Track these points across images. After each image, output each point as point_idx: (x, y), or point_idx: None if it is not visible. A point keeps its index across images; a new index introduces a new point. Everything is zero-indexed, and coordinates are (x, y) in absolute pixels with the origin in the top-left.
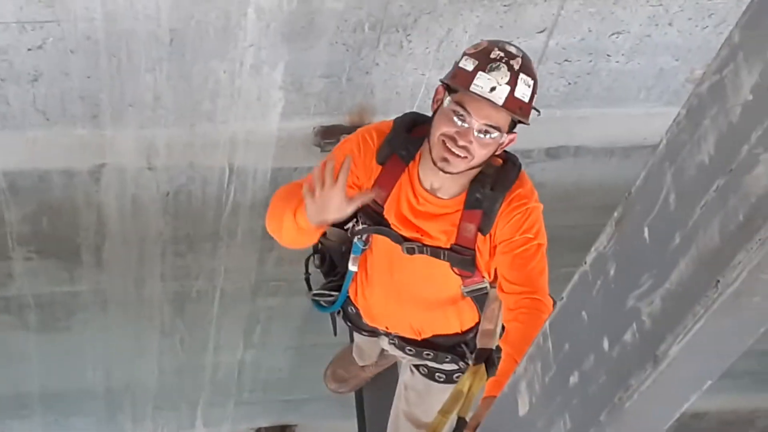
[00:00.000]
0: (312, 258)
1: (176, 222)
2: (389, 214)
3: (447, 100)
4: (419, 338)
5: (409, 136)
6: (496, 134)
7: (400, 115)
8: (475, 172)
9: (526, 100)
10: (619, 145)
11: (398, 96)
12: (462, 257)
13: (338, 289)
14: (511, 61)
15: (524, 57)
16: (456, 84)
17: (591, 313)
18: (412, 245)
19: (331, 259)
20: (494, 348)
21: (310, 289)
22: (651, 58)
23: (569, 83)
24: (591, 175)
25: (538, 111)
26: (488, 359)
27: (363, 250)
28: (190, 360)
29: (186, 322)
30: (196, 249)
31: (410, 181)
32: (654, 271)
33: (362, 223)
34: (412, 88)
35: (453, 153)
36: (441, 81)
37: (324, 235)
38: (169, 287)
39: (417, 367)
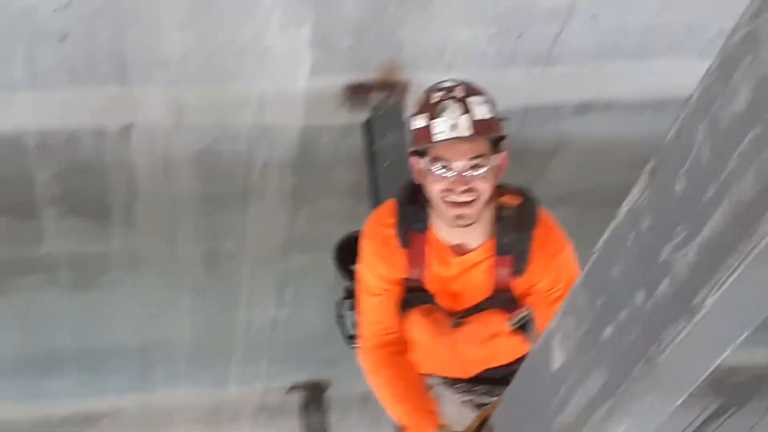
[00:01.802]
0: (344, 302)
1: (206, 181)
2: (431, 285)
3: (424, 162)
4: (468, 377)
5: (414, 208)
6: (485, 162)
7: (396, 192)
8: (493, 212)
9: (489, 116)
10: (650, 99)
11: (426, 52)
12: (503, 299)
13: None
14: (453, 93)
15: (462, 82)
16: (421, 145)
17: (624, 266)
18: (458, 321)
19: None
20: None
21: (344, 331)
22: (682, 12)
23: (599, 38)
24: (622, 131)
25: (506, 118)
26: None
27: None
28: (222, 318)
29: (217, 280)
30: (227, 208)
31: (434, 247)
32: (688, 223)
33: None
34: (440, 44)
35: (460, 204)
36: (408, 153)
37: (350, 278)
38: (200, 246)
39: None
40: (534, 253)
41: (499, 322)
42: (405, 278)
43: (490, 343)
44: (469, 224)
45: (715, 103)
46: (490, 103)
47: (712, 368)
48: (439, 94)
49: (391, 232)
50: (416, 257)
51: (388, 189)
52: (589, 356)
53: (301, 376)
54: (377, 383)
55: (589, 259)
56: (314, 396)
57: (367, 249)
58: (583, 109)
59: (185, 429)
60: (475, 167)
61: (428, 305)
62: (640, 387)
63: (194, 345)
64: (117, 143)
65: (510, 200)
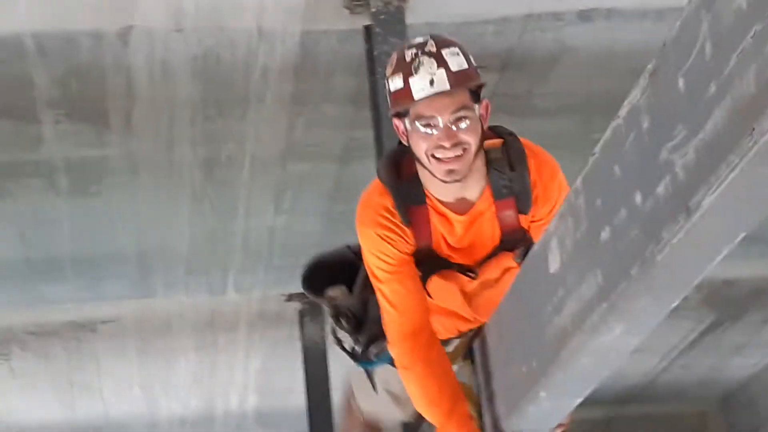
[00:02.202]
0: (336, 325)
1: (205, 86)
2: (442, 251)
3: (406, 123)
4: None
5: (405, 183)
6: (468, 113)
7: (378, 173)
8: (483, 160)
9: (466, 66)
10: (652, 7)
11: None
12: (515, 240)
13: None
14: (426, 48)
15: (432, 36)
16: (401, 106)
17: (624, 167)
18: (473, 272)
19: (357, 314)
20: None
21: (353, 355)
22: None
23: None
24: (624, 39)
25: (483, 66)
26: None
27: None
28: (221, 225)
29: (216, 187)
30: (226, 114)
31: (437, 213)
32: (688, 122)
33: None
34: None
35: (450, 159)
36: (391, 115)
37: (334, 301)
38: (199, 152)
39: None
40: (535, 184)
41: (508, 260)
42: (414, 253)
43: (501, 281)
44: (461, 178)
45: (717, 0)
46: (464, 52)
47: (708, 269)
48: (412, 51)
49: (391, 214)
50: (421, 230)
51: None
52: (586, 257)
53: (298, 286)
54: (409, 380)
55: (588, 161)
56: (312, 305)
57: (368, 238)
58: (585, 16)
59: (183, 336)
60: (459, 120)
61: (444, 270)
62: (636, 288)
63: (193, 252)
64: (116, 46)
65: (492, 143)
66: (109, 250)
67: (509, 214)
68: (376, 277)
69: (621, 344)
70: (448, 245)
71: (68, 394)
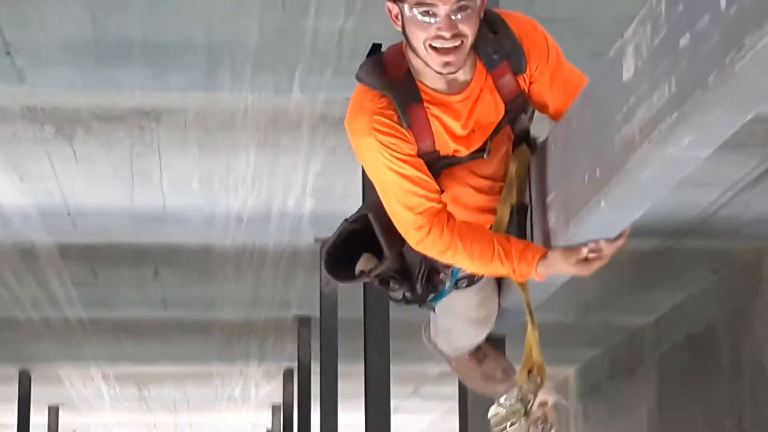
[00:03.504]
0: (387, 290)
1: None
2: (447, 150)
3: (406, 8)
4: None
5: (399, 81)
6: (469, 3)
7: (363, 78)
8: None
9: None
10: None
11: None
12: (517, 107)
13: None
14: None
15: None
16: None
17: None
18: (488, 150)
19: (400, 269)
20: (530, 130)
21: (414, 302)
22: None
23: None
24: None
25: None
26: (527, 139)
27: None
28: (291, 21)
29: None
30: None
31: (437, 106)
32: None
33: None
34: None
35: (448, 50)
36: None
37: (372, 272)
38: None
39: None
40: (521, 40)
41: (509, 133)
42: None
43: (504, 159)
44: (457, 70)
45: None
46: None
47: None
48: None
49: (388, 117)
50: (423, 130)
51: None
52: (661, 65)
53: None
54: (457, 255)
55: None
56: None
57: (368, 146)
58: None
59: (245, 133)
60: (460, 9)
61: (452, 167)
62: (710, 97)
63: (261, 47)
64: None
65: None
66: (179, 39)
67: (507, 80)
68: (382, 186)
69: (687, 156)
70: (454, 136)
71: (128, 182)
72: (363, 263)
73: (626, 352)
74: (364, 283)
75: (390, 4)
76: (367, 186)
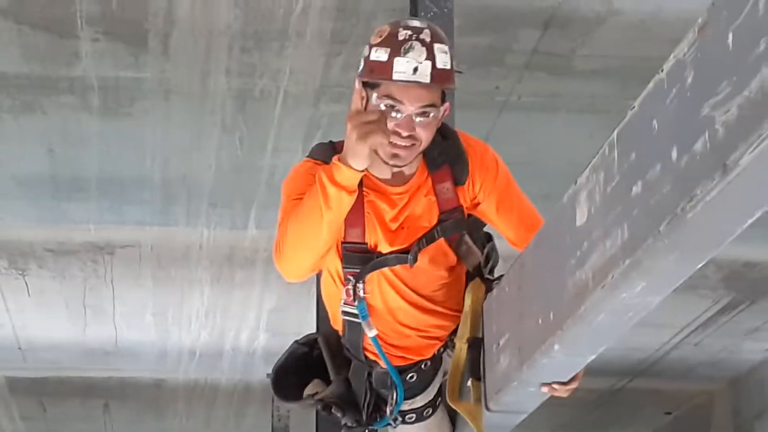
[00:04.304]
0: (330, 416)
1: (246, 16)
2: (376, 242)
3: (374, 96)
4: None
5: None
6: (433, 112)
7: (314, 153)
8: None
9: (449, 66)
10: None
11: None
12: (453, 220)
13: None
14: (421, 36)
15: (429, 26)
16: (377, 77)
17: (662, 121)
18: (413, 254)
19: (344, 395)
20: (481, 262)
21: (359, 427)
22: None
23: None
24: (670, 6)
25: (460, 72)
26: (480, 273)
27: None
28: (248, 159)
29: (247, 120)
30: (264, 47)
31: (375, 192)
32: (734, 78)
33: (352, 275)
34: None
35: (400, 146)
36: (358, 78)
37: (318, 397)
38: (233, 83)
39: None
40: (468, 152)
41: (447, 253)
42: (343, 243)
43: (441, 282)
44: (403, 166)
45: None
46: (451, 54)
47: (739, 231)
48: (407, 32)
49: None
50: (355, 215)
51: None
52: (614, 212)
53: None
54: (286, 231)
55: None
56: None
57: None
58: None
59: (201, 268)
60: (423, 114)
61: (378, 270)
62: (663, 245)
63: (217, 183)
64: None
65: None
66: (135, 174)
67: (446, 186)
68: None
69: (640, 302)
70: (384, 226)
71: (81, 316)
72: (312, 387)
73: None
74: (316, 418)
75: (359, 86)
76: (320, 314)
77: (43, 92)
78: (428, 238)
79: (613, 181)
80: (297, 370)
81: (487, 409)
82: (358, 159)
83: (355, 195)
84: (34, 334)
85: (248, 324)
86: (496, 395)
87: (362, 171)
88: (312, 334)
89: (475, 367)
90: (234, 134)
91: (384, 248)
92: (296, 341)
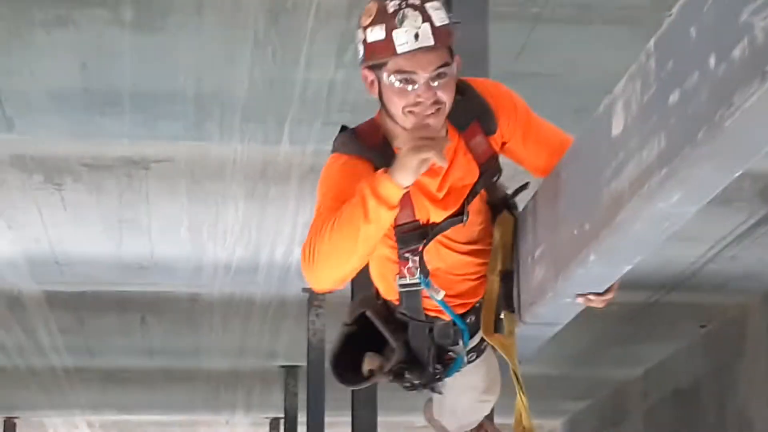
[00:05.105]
0: (403, 386)
1: None
2: (427, 215)
3: (384, 75)
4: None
5: (371, 147)
6: (448, 71)
7: (333, 146)
8: None
9: (447, 21)
10: None
11: None
12: (491, 170)
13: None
14: (410, 1)
15: None
16: (381, 57)
17: (700, 28)
18: (466, 214)
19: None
20: (508, 194)
21: (427, 386)
22: None
23: None
24: None
25: (459, 22)
26: (507, 205)
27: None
28: (281, 73)
29: (280, 33)
30: None
31: None
32: None
33: (409, 253)
34: None
35: (427, 115)
36: (363, 66)
37: (382, 370)
38: None
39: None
40: (489, 100)
41: (483, 196)
42: (397, 227)
43: (480, 222)
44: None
45: None
46: (445, 6)
47: None
48: (395, 2)
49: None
50: (402, 198)
51: None
52: (651, 121)
53: None
54: (319, 240)
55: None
56: None
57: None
58: None
59: (235, 183)
60: (438, 76)
61: (435, 241)
62: (700, 153)
63: (251, 98)
64: None
65: None
66: (168, 89)
67: (478, 140)
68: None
69: (676, 212)
70: (432, 198)
71: (116, 230)
72: (368, 363)
73: (613, 405)
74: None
75: (366, 72)
76: (356, 283)
77: (75, 5)
78: (473, 193)
79: (650, 90)
80: (351, 351)
81: (522, 321)
82: (405, 172)
83: (395, 212)
84: (70, 248)
85: (283, 239)
86: (530, 307)
87: (406, 188)
88: (355, 308)
89: (509, 299)
90: (267, 48)
91: (437, 218)
92: (344, 323)
